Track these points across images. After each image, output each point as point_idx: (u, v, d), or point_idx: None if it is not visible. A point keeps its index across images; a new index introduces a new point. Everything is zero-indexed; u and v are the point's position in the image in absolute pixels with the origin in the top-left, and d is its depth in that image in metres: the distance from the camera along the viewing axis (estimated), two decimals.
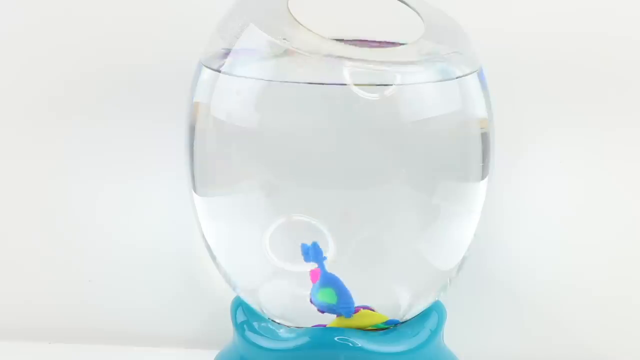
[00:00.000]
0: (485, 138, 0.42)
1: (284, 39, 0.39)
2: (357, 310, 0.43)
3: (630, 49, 0.52)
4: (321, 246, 0.41)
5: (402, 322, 0.44)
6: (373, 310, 0.43)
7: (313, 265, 0.41)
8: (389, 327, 0.44)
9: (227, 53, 0.41)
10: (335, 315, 0.43)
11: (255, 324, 0.44)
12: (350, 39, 0.42)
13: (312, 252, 0.41)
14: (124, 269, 0.57)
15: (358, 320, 0.43)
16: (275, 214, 0.41)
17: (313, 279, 0.42)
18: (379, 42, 0.44)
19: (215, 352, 0.48)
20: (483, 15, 0.52)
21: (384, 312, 0.43)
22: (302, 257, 0.41)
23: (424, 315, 0.45)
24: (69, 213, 0.57)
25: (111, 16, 0.54)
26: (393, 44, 0.43)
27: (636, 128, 0.53)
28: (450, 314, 0.46)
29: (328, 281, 0.42)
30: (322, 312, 0.43)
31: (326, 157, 0.40)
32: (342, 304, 0.42)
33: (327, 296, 0.42)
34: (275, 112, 0.40)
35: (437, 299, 0.46)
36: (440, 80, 0.41)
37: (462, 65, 0.42)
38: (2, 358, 0.55)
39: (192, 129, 0.42)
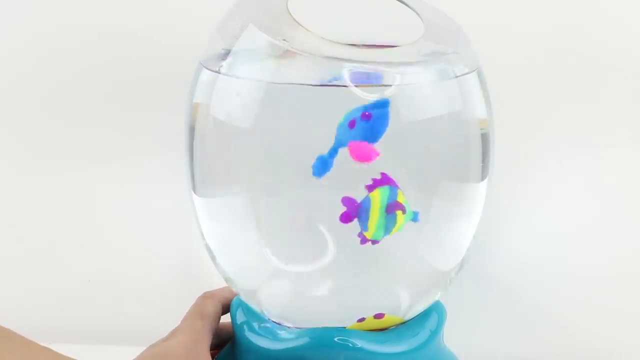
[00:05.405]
0: (485, 138, 0.42)
1: (284, 39, 0.39)
2: (380, 316, 0.43)
3: (631, 51, 0.53)
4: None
5: (402, 322, 0.44)
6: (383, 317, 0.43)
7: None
8: (389, 327, 0.44)
9: (226, 54, 0.41)
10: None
11: (255, 325, 0.44)
12: (350, 39, 0.42)
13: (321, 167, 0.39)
14: (123, 269, 0.57)
15: (377, 323, 0.43)
16: (275, 214, 0.41)
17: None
18: (379, 45, 0.44)
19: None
20: (483, 15, 0.52)
21: (384, 312, 0.43)
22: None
23: (424, 316, 0.45)
24: (68, 213, 0.57)
25: (111, 17, 0.54)
26: (393, 46, 0.43)
27: (636, 129, 0.53)
28: (450, 314, 0.46)
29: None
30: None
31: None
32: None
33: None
34: (275, 113, 0.40)
35: (437, 299, 0.46)
36: (440, 80, 0.41)
37: (462, 66, 0.42)
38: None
39: (191, 130, 0.42)
